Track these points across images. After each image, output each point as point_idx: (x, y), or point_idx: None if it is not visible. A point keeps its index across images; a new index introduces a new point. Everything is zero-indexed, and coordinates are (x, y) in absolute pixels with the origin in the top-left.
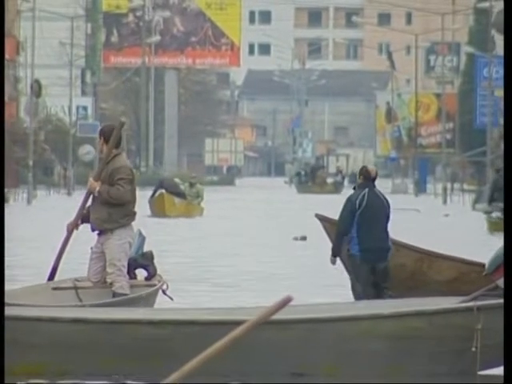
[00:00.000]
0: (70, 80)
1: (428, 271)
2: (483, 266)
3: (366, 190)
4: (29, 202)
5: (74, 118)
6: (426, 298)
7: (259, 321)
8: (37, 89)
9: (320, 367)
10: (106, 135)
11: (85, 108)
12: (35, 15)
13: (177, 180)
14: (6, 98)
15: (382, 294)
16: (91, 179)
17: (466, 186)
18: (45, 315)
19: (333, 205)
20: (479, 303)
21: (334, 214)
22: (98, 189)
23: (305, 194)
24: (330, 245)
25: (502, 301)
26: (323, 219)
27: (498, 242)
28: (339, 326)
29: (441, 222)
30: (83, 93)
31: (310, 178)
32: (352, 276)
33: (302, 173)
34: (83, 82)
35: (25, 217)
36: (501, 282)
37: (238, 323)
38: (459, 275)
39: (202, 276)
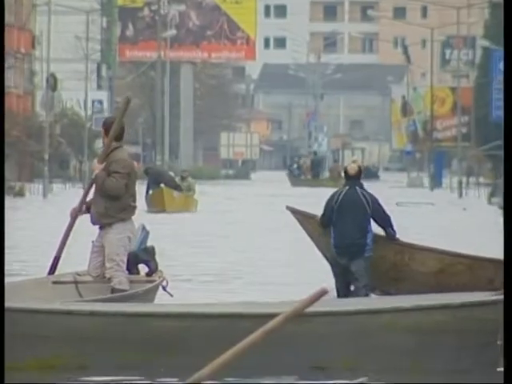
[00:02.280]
0: (85, 74)
1: (411, 263)
2: (468, 257)
3: (346, 187)
4: (44, 195)
5: (89, 112)
6: (446, 293)
7: (294, 313)
8: (52, 83)
9: (340, 361)
10: (107, 127)
11: (100, 102)
12: (51, 9)
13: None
14: (22, 92)
15: (361, 292)
16: (95, 160)
17: (482, 180)
18: (61, 308)
19: None
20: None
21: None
22: (96, 172)
23: (299, 187)
24: None
25: None
26: (295, 212)
27: None
28: (360, 319)
29: (456, 215)
30: (99, 87)
31: (311, 171)
32: (335, 272)
33: (295, 166)
34: (99, 75)
35: (40, 210)
36: None
37: (257, 317)
38: (444, 266)
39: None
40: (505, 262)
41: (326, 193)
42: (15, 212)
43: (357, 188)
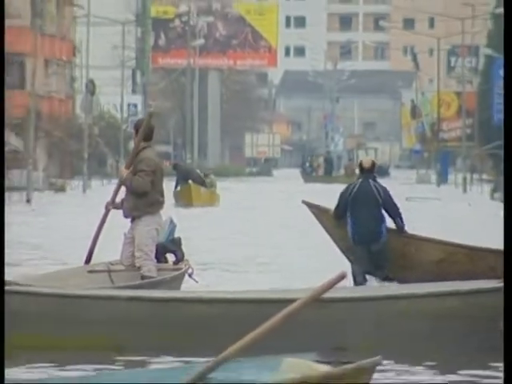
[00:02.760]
0: (121, 80)
1: (417, 253)
2: (468, 247)
3: (360, 180)
4: (84, 191)
5: (125, 115)
6: (456, 281)
7: (313, 297)
8: (91, 88)
9: (359, 344)
10: (138, 128)
11: (135, 105)
12: (90, 21)
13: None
14: (63, 96)
15: (380, 273)
16: (122, 167)
17: (484, 177)
18: (103, 294)
19: None
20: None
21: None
22: (124, 176)
23: (311, 183)
24: None
25: None
26: (310, 206)
27: None
28: (377, 305)
29: (461, 209)
30: (133, 91)
31: (324, 168)
32: (352, 263)
33: (307, 164)
34: (133, 81)
35: (79, 204)
36: None
37: (285, 301)
38: (446, 256)
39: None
40: (505, 261)
41: (341, 188)
42: (57, 206)
43: (370, 180)
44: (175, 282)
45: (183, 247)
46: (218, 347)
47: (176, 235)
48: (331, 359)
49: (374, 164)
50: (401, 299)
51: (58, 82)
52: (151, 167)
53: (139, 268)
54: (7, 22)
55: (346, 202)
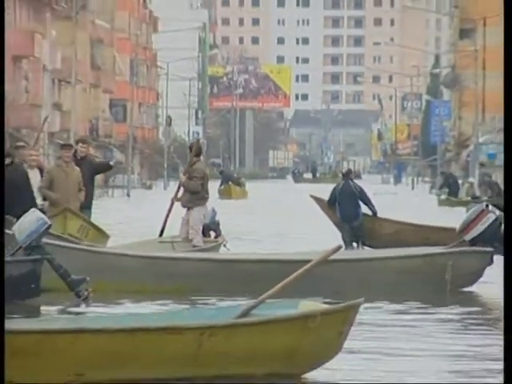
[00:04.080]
0: (188, 116)
1: (379, 228)
2: (412, 224)
3: (343, 181)
4: (164, 188)
5: (190, 138)
6: (412, 247)
7: (322, 260)
8: (169, 121)
9: (350, 290)
10: (191, 148)
11: (197, 133)
12: (168, 77)
13: (234, 174)
14: (150, 127)
15: (359, 240)
16: (181, 174)
17: (425, 179)
18: (180, 256)
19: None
20: (453, 249)
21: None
22: (183, 180)
23: (300, 183)
24: None
25: (465, 248)
26: (316, 198)
27: (445, 212)
28: (362, 264)
29: (409, 200)
30: (196, 124)
31: (311, 172)
32: (342, 234)
33: (296, 171)
34: (196, 117)
35: (161, 198)
36: (467, 237)
37: (301, 262)
38: (397, 230)
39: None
40: (505, 260)
41: (320, 186)
42: (146, 198)
43: (349, 181)
44: (214, 250)
45: (220, 227)
46: (257, 293)
47: (216, 219)
48: (331, 301)
49: (349, 170)
50: (378, 260)
51: (147, 117)
52: (200, 174)
53: (191, 240)
54: (116, 78)
55: (335, 195)
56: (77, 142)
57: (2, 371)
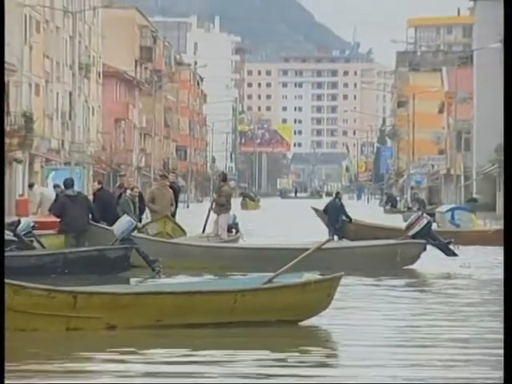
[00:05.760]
0: (225, 157)
1: (349, 227)
2: (368, 225)
3: (331, 199)
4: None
5: (226, 170)
6: (376, 240)
7: (317, 248)
8: (213, 160)
9: (338, 267)
10: (220, 176)
11: (231, 167)
12: (213, 132)
13: (251, 194)
14: (202, 163)
15: (340, 236)
16: (214, 194)
17: (377, 196)
18: (225, 246)
19: (320, 203)
20: (401, 241)
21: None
22: (215, 197)
23: (286, 199)
24: None
25: (409, 240)
26: (314, 209)
27: (388, 217)
28: (345, 251)
29: (365, 210)
30: (231, 161)
31: (297, 192)
32: (329, 230)
33: (283, 191)
34: (231, 158)
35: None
36: (410, 233)
37: (302, 249)
38: (358, 228)
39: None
40: (505, 262)
41: (302, 201)
42: (199, 209)
43: (336, 199)
44: (234, 241)
45: (240, 226)
46: (273, 270)
47: (236, 221)
48: (323, 273)
49: (338, 192)
50: (354, 247)
51: (200, 157)
52: (226, 193)
53: (219, 235)
54: (180, 133)
55: (326, 208)
56: (169, 173)
57: (2, 371)
